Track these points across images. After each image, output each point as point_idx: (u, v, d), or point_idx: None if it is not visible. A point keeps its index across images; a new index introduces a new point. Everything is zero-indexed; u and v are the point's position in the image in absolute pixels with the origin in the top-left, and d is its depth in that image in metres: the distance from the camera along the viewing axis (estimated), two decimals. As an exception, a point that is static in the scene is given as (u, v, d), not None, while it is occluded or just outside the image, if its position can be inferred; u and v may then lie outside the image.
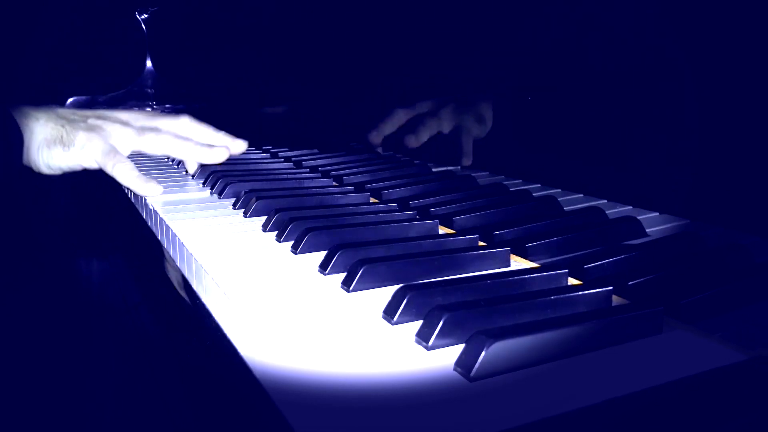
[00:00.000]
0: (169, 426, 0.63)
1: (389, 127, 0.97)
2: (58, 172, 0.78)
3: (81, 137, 0.76)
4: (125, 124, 0.80)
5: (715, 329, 0.40)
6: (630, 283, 0.45)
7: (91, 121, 0.79)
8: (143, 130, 0.79)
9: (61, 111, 0.80)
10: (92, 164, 0.76)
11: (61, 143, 0.76)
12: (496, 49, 0.94)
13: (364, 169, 0.87)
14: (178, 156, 0.81)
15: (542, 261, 0.53)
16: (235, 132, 0.88)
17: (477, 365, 0.33)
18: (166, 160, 1.00)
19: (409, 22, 1.15)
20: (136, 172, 0.72)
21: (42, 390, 0.82)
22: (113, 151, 0.76)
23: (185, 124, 0.83)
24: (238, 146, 0.84)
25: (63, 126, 0.77)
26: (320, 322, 0.41)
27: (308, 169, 0.89)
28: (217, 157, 0.80)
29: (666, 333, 0.39)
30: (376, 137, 0.96)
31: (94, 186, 0.79)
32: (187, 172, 0.88)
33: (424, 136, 0.94)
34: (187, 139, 0.80)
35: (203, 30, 1.72)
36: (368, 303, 0.44)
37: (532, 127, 0.89)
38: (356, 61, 1.31)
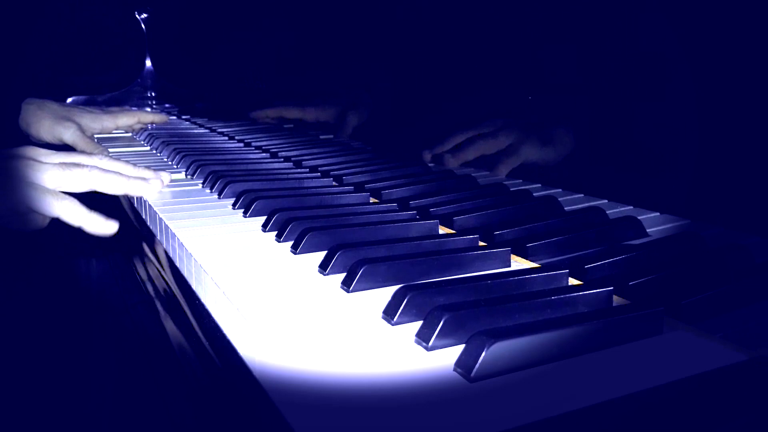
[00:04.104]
0: (168, 426, 0.63)
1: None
2: None
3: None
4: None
5: (716, 329, 0.40)
6: (631, 283, 0.45)
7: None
8: (65, 165, 0.71)
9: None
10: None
11: None
12: (496, 50, 0.94)
13: (364, 169, 0.87)
14: (109, 191, 0.74)
15: (543, 261, 0.53)
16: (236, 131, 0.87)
17: (477, 366, 0.33)
18: (165, 159, 1.00)
19: (400, 23, 1.15)
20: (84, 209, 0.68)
21: (41, 389, 0.82)
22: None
23: (105, 158, 0.77)
24: (164, 179, 0.78)
25: None
26: (320, 322, 0.41)
27: (308, 169, 0.88)
28: (155, 188, 0.75)
29: (667, 333, 0.39)
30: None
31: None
32: (186, 171, 0.88)
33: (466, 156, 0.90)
34: (117, 173, 0.74)
35: (203, 30, 1.72)
36: (368, 303, 0.44)
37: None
38: (355, 62, 1.31)
